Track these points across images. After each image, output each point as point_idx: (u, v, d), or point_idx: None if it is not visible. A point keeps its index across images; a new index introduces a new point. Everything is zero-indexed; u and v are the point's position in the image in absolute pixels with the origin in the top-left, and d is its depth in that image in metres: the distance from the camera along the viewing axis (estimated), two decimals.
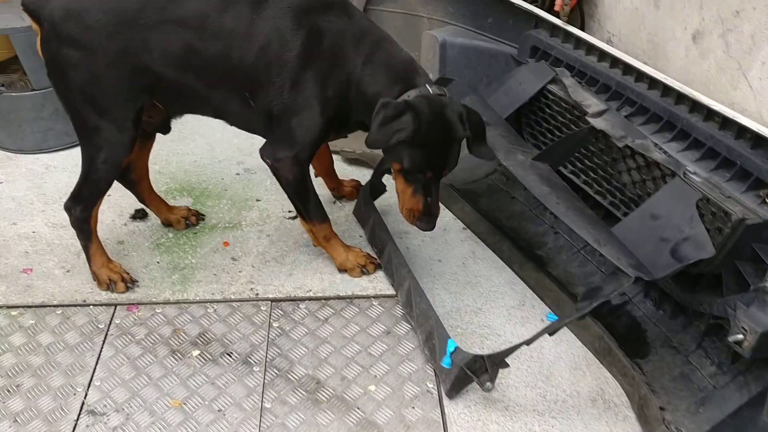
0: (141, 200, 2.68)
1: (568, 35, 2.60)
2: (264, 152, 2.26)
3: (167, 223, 2.72)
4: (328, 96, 2.16)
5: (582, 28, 2.83)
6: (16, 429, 1.92)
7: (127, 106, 2.19)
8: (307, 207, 2.37)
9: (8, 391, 2.04)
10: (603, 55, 2.47)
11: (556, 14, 2.81)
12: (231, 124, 2.38)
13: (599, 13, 2.83)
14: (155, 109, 2.32)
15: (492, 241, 2.67)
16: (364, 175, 2.99)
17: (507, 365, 1.93)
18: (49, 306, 2.35)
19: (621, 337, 2.15)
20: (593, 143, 2.34)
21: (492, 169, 2.98)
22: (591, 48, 2.51)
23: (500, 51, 2.91)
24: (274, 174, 2.28)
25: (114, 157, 2.25)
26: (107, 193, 2.34)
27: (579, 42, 2.56)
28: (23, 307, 2.34)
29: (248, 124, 2.34)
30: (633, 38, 2.65)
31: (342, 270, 2.49)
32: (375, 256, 2.54)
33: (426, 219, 2.22)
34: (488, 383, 1.93)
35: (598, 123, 2.23)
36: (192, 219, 2.73)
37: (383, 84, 2.15)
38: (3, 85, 3.19)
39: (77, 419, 1.95)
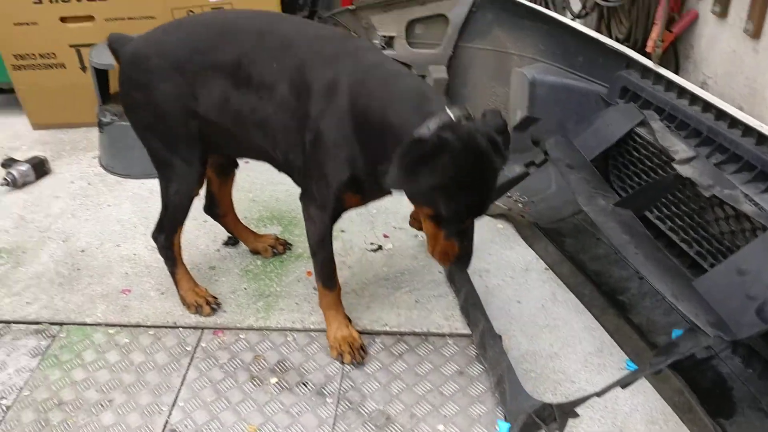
0: (229, 231, 2.82)
1: (659, 77, 2.55)
2: (300, 199, 2.23)
3: (255, 252, 2.85)
4: (343, 151, 1.99)
5: (677, 69, 2.77)
6: None
7: (191, 144, 2.27)
8: (318, 266, 2.30)
9: (101, 405, 2.19)
10: (695, 99, 2.40)
11: (648, 55, 2.75)
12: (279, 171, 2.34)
13: (695, 55, 2.76)
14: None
15: (574, 284, 2.63)
16: None
17: (577, 415, 1.90)
18: (143, 326, 2.50)
19: (704, 393, 2.07)
20: (680, 190, 2.28)
21: (578, 209, 2.93)
22: (682, 91, 2.45)
23: (590, 90, 2.88)
24: (305, 223, 2.25)
25: (184, 189, 2.36)
26: (204, 220, 2.48)
27: (670, 84, 2.50)
28: (120, 326, 2.51)
29: (286, 172, 2.29)
30: (730, 82, 2.57)
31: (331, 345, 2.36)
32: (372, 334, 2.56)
33: (463, 261, 1.99)
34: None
35: (685, 170, 2.17)
36: (279, 248, 2.84)
37: (396, 120, 1.86)
38: (116, 115, 3.44)
39: None
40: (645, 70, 2.62)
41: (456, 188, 1.76)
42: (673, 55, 2.80)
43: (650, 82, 2.59)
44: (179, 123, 2.22)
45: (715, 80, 2.64)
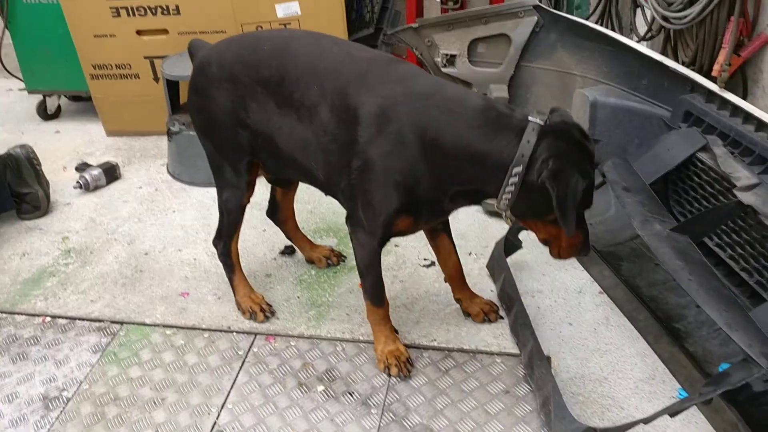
0: (288, 237, 2.89)
1: (725, 102, 2.49)
2: (347, 221, 2.24)
3: (310, 261, 2.90)
4: (395, 180, 2.00)
5: (744, 94, 2.70)
6: None
7: (239, 154, 2.34)
8: (367, 286, 2.32)
9: (154, 402, 2.27)
10: (762, 125, 2.34)
11: (714, 79, 2.69)
12: (324, 193, 2.35)
13: (764, 80, 2.69)
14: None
15: (628, 309, 2.58)
16: (503, 228, 3.01)
17: None
18: (199, 329, 2.58)
19: (760, 428, 1.99)
20: (742, 218, 2.22)
21: (637, 233, 2.87)
22: (748, 116, 2.38)
23: (653, 113, 2.83)
24: (351, 243, 2.27)
25: (234, 197, 2.44)
26: (263, 229, 2.54)
27: (736, 109, 2.44)
28: (177, 327, 2.60)
29: (329, 193, 2.31)
30: None
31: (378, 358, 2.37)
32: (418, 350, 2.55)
33: (588, 246, 2.10)
34: None
35: (746, 197, 2.11)
36: (333, 259, 2.89)
37: (483, 146, 1.92)
38: (184, 125, 3.57)
39: None
40: (710, 94, 2.56)
41: (581, 187, 1.89)
42: (741, 80, 2.74)
43: (715, 107, 2.53)
44: (230, 131, 2.30)
45: None
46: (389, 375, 2.32)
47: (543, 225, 2.05)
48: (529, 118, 1.92)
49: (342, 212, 2.29)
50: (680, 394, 2.22)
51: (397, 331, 2.43)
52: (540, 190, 1.88)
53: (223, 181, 2.44)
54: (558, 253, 2.12)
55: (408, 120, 1.96)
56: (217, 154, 2.41)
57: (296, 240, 2.89)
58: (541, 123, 1.91)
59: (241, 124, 2.26)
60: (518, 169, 1.89)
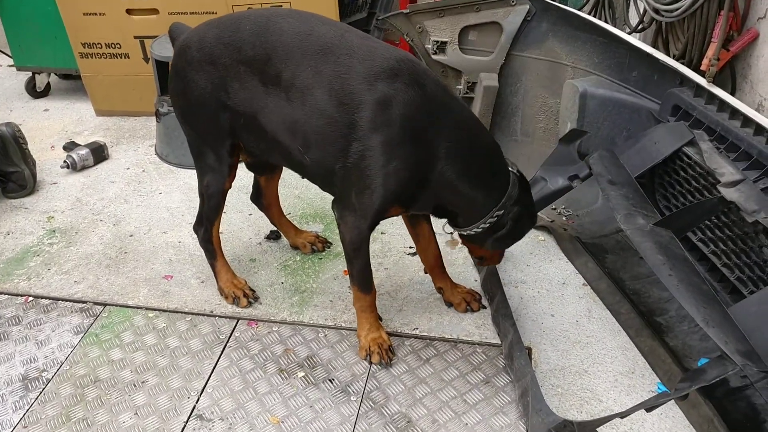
0: (273, 223, 2.88)
1: (713, 96, 2.49)
2: (333, 206, 2.24)
3: (295, 247, 2.90)
4: (396, 168, 2.01)
5: (733, 89, 2.69)
6: (135, 421, 2.13)
7: (220, 137, 2.31)
8: (354, 272, 2.30)
9: (135, 385, 2.27)
10: (747, 120, 2.34)
11: (703, 73, 2.69)
12: (301, 176, 2.35)
13: (752, 75, 2.68)
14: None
15: (611, 302, 2.59)
16: None
17: None
18: (181, 312, 2.58)
19: (735, 423, 2.01)
20: (725, 214, 2.22)
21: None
22: (735, 112, 2.38)
23: (642, 106, 2.83)
24: (338, 228, 2.25)
25: (215, 181, 2.42)
26: (249, 213, 2.53)
27: (723, 104, 2.44)
28: (159, 310, 2.59)
29: (310, 178, 2.32)
30: None
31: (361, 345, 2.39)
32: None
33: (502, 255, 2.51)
34: None
35: (729, 194, 2.11)
36: (318, 245, 2.89)
37: (483, 185, 2.13)
38: (171, 106, 3.55)
39: (186, 421, 2.13)
40: (698, 89, 2.56)
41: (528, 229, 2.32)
42: (730, 75, 2.73)
43: (703, 101, 2.53)
44: (211, 114, 2.27)
45: None
46: (370, 362, 2.33)
47: (482, 248, 2.32)
48: (509, 167, 2.18)
49: (329, 198, 2.28)
50: (659, 388, 2.23)
51: (381, 319, 2.43)
52: (498, 229, 2.18)
53: (204, 166, 2.42)
54: (479, 264, 2.59)
55: (411, 115, 1.99)
56: (199, 139, 2.38)
57: (281, 225, 2.88)
58: (516, 173, 2.19)
59: (222, 106, 2.23)
60: (499, 213, 2.15)
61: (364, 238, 2.21)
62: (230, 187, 2.46)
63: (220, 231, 2.60)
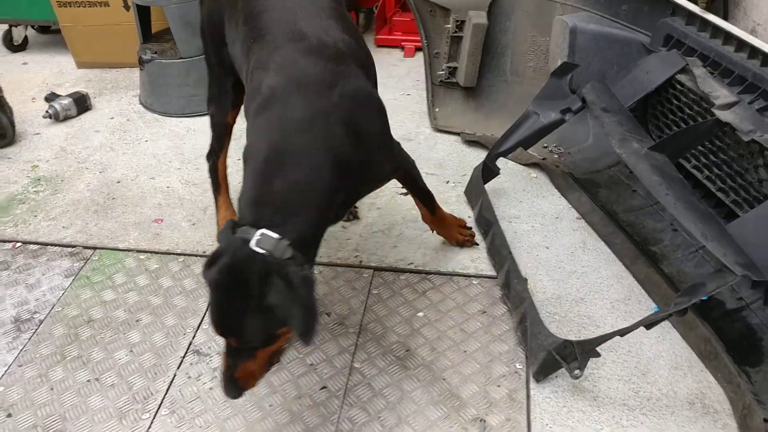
0: None
1: (705, 23, 2.46)
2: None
3: None
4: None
5: (725, 16, 2.67)
6: (130, 358, 2.12)
7: (223, 71, 2.26)
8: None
9: (128, 324, 2.25)
10: (741, 44, 2.32)
11: (695, 2, 2.66)
12: None
13: (745, 1, 2.65)
14: None
15: (605, 233, 2.58)
16: (481, 157, 2.99)
17: (598, 354, 1.88)
18: (173, 254, 2.55)
19: (731, 342, 2.03)
20: (719, 137, 2.21)
21: (615, 161, 2.88)
22: (729, 37, 2.36)
23: (632, 39, 2.80)
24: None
25: (218, 112, 2.39)
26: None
27: (716, 30, 2.41)
28: (150, 252, 2.56)
29: None
30: None
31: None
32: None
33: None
34: (577, 371, 1.89)
35: (725, 115, 2.10)
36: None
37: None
38: (156, 53, 3.47)
39: (184, 356, 2.11)
40: (690, 16, 2.53)
41: None
42: (722, 2, 2.70)
43: (695, 29, 2.51)
44: (215, 49, 2.23)
45: (765, 27, 2.55)
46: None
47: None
48: None
49: None
50: (655, 311, 2.24)
51: None
52: None
53: (210, 94, 2.40)
54: None
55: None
56: (208, 66, 2.35)
57: None
58: None
59: (223, 42, 2.17)
60: None
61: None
62: (233, 122, 2.42)
63: (227, 169, 2.57)
